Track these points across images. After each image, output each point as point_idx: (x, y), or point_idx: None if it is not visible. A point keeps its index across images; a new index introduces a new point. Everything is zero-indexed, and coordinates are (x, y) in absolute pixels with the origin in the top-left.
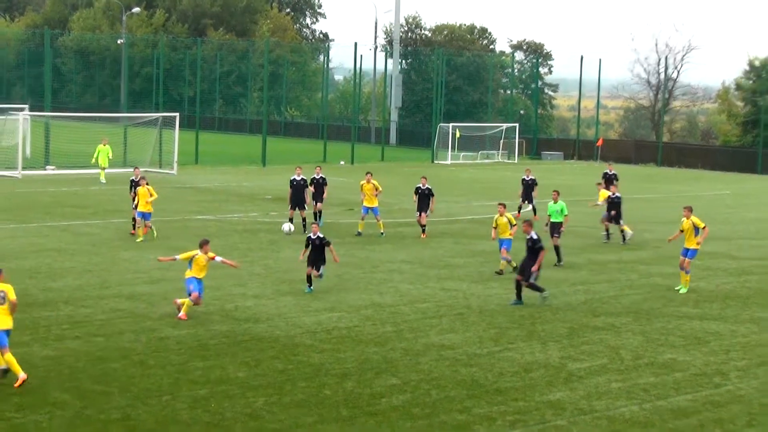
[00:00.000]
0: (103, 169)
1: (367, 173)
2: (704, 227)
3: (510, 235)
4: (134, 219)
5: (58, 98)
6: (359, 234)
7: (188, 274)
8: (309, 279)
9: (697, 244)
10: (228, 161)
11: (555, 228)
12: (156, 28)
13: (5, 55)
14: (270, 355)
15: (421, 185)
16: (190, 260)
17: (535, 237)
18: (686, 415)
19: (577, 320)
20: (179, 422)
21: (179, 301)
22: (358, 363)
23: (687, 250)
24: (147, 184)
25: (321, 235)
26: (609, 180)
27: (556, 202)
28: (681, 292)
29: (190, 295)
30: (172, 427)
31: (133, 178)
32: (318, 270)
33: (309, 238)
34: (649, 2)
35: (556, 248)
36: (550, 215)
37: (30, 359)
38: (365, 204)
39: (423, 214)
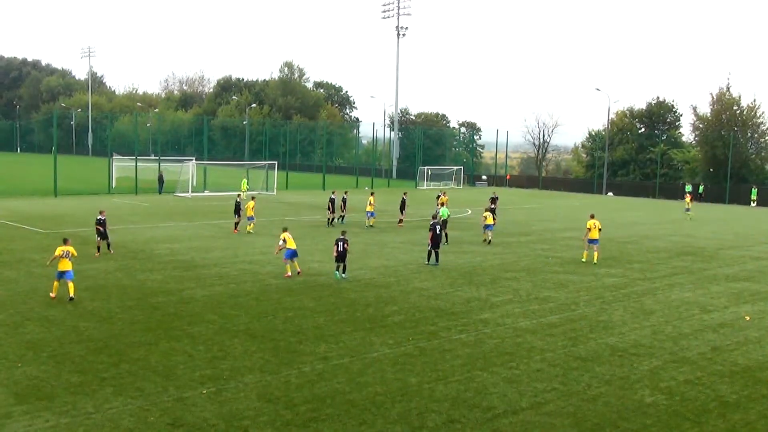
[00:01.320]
0: (245, 191)
1: (372, 193)
2: (600, 229)
3: (492, 222)
4: (236, 223)
5: (211, 153)
6: (370, 227)
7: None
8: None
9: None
10: (304, 188)
11: (445, 223)
12: (264, 114)
13: (183, 130)
14: (327, 293)
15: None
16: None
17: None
18: (555, 326)
19: (496, 274)
20: (277, 331)
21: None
22: (375, 298)
23: (593, 240)
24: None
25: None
26: (493, 200)
27: (443, 206)
28: (592, 261)
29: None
30: (273, 334)
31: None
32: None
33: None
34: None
35: (446, 234)
36: (441, 215)
37: (194, 296)
38: (368, 210)
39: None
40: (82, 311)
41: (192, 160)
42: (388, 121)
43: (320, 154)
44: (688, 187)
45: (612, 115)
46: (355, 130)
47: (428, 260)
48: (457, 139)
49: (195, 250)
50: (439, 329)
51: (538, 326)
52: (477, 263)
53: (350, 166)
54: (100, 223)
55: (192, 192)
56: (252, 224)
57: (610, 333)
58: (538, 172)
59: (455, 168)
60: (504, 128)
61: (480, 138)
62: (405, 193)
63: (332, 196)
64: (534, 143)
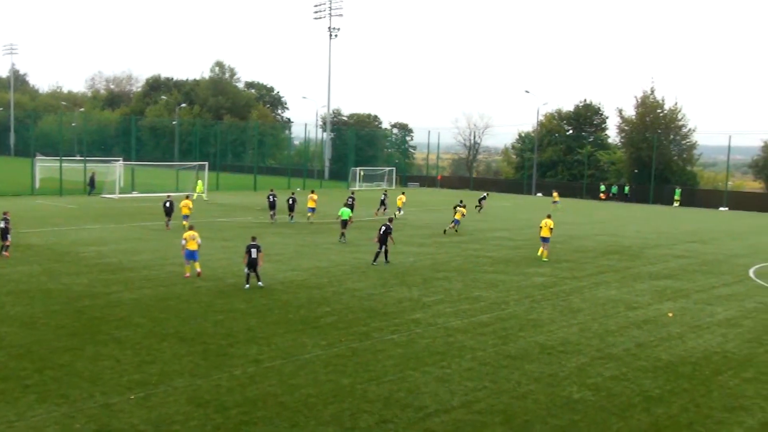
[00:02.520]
0: (202, 192)
1: (312, 191)
2: (552, 228)
3: (459, 216)
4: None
5: (139, 154)
6: (311, 223)
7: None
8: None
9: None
10: (235, 188)
11: (345, 223)
12: (194, 114)
13: (109, 130)
14: (258, 295)
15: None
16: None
17: (390, 227)
18: (486, 325)
19: (428, 275)
20: (208, 334)
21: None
22: (307, 299)
23: (545, 238)
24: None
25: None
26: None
27: (347, 206)
28: (543, 259)
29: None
30: (204, 337)
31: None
32: None
33: None
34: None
35: (343, 234)
36: (341, 215)
37: (122, 300)
38: (310, 206)
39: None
40: (4, 316)
41: (119, 160)
42: (320, 122)
43: (252, 155)
44: (602, 187)
45: (541, 117)
46: (287, 131)
47: (375, 260)
48: (389, 140)
49: (123, 252)
50: (371, 330)
51: (469, 325)
52: (409, 264)
53: (282, 167)
54: (5, 223)
55: (120, 193)
56: (186, 222)
57: (539, 331)
58: (469, 173)
59: (387, 169)
60: (435, 130)
61: (412, 139)
62: (352, 194)
63: (271, 194)
64: (465, 144)
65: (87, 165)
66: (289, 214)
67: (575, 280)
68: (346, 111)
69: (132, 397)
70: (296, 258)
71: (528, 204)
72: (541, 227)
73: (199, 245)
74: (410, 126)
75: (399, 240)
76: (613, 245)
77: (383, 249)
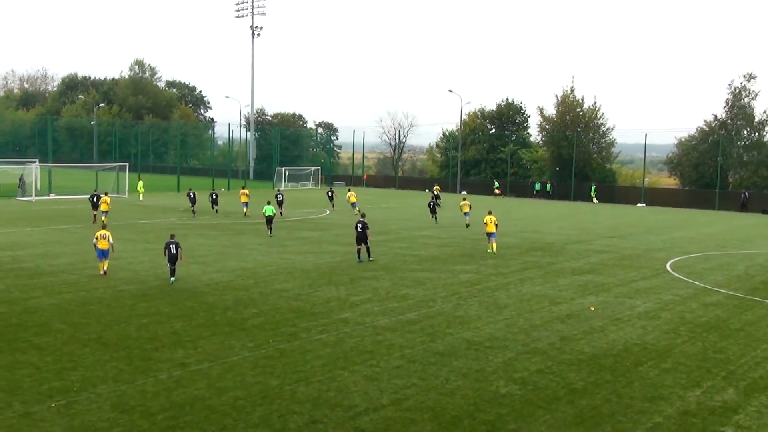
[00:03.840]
0: (142, 192)
1: (243, 187)
2: (497, 224)
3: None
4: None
5: (56, 155)
6: (246, 216)
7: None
8: None
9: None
10: (157, 190)
11: (270, 219)
12: (114, 114)
13: (24, 131)
14: (183, 297)
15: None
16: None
17: (365, 222)
18: (414, 323)
19: (355, 274)
20: (131, 338)
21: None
22: (234, 301)
23: (490, 233)
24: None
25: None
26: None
27: (269, 205)
28: (489, 252)
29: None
30: (127, 342)
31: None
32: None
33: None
34: (388, 97)
35: (271, 229)
36: (265, 212)
37: (40, 305)
38: (244, 201)
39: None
40: None
41: (35, 162)
42: (244, 122)
43: (174, 156)
44: (538, 185)
45: (464, 116)
46: (210, 131)
47: (358, 258)
48: (314, 140)
49: (41, 256)
50: (299, 330)
51: (397, 324)
52: (336, 263)
53: (206, 168)
54: None
55: (36, 196)
56: (105, 218)
57: (466, 327)
58: (394, 171)
59: (313, 168)
60: (361, 129)
61: (337, 138)
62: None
63: (190, 194)
64: (390, 143)
65: (14, 167)
66: (213, 208)
67: (500, 277)
68: (271, 110)
69: (53, 405)
70: (221, 259)
71: (453, 202)
72: (485, 223)
73: (111, 245)
74: (335, 125)
75: (325, 240)
76: (536, 242)
77: (364, 246)
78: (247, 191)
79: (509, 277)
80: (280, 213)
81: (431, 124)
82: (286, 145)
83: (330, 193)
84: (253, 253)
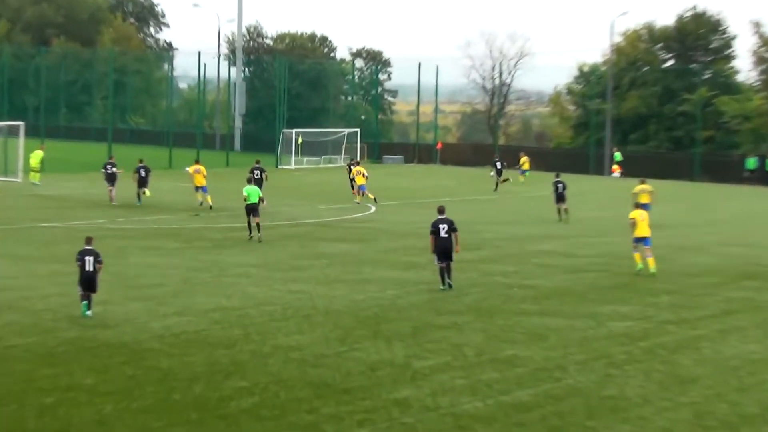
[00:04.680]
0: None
1: (196, 161)
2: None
3: None
4: None
5: None
6: (204, 207)
7: None
8: None
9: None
10: (74, 169)
11: (255, 210)
12: None
13: None
14: (118, 360)
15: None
16: None
17: (451, 220)
18: (528, 410)
19: (421, 319)
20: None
21: None
22: (207, 366)
23: (642, 239)
24: None
25: None
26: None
27: (252, 185)
28: (639, 269)
29: None
30: None
31: None
32: None
33: None
34: (481, 10)
35: (258, 226)
36: (247, 197)
37: None
38: (199, 184)
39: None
40: None
41: None
42: (224, 50)
43: (103, 109)
44: (752, 162)
45: (617, 37)
46: (165, 65)
47: (443, 283)
48: (349, 81)
49: None
50: (321, 420)
51: (497, 410)
52: (389, 300)
53: (156, 131)
54: None
55: None
56: None
57: (623, 419)
58: (492, 137)
59: (347, 131)
60: (432, 61)
61: (389, 78)
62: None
63: (140, 166)
64: (485, 87)
65: None
66: (139, 192)
67: (684, 326)
68: (273, 29)
69: None
70: (186, 292)
71: (598, 191)
72: (635, 221)
73: None
74: (385, 55)
75: (368, 258)
76: (749, 263)
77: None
78: (201, 167)
79: (700, 326)
80: (261, 200)
81: (556, 52)
82: (299, 91)
83: (350, 168)
84: (241, 281)
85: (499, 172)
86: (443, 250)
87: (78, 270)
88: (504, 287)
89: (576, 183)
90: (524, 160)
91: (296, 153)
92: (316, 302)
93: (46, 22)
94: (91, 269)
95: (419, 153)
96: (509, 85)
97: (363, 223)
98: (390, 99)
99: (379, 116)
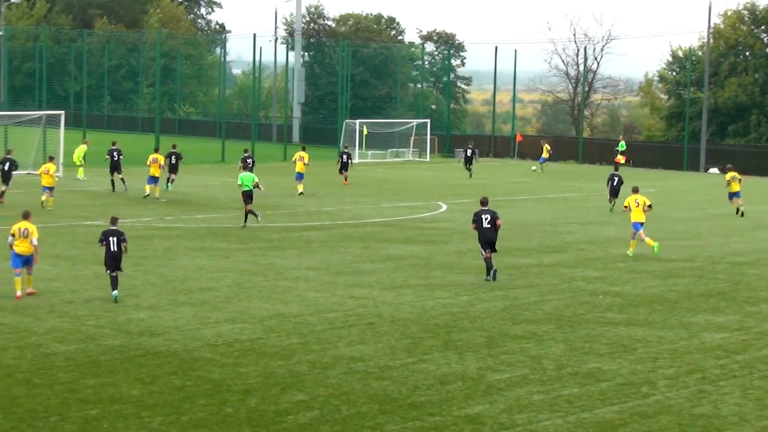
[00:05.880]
0: (80, 166)
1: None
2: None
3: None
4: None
5: None
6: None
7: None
8: None
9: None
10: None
11: (250, 196)
12: (38, 19)
13: None
14: (167, 370)
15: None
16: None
17: (494, 211)
18: (613, 428)
19: (496, 328)
20: None
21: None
22: (262, 378)
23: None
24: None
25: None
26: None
27: (246, 171)
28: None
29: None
30: None
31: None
32: None
33: None
34: None
35: (253, 214)
36: (242, 183)
37: None
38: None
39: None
40: None
41: None
42: (282, 32)
43: (149, 97)
44: (622, 145)
45: (716, 19)
46: (218, 49)
47: (488, 274)
48: (419, 67)
49: None
50: None
51: (578, 429)
52: (460, 307)
53: (208, 121)
54: None
55: None
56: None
57: None
58: (575, 129)
59: (416, 122)
60: (508, 45)
61: (462, 64)
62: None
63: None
64: (568, 74)
65: None
66: (169, 179)
67: None
68: (334, 10)
69: None
70: (239, 297)
71: (693, 189)
72: (628, 206)
73: (35, 246)
74: (459, 39)
75: (437, 262)
76: None
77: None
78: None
79: None
80: (257, 185)
81: (647, 36)
82: (363, 77)
83: (344, 157)
84: (299, 285)
85: (468, 160)
86: (488, 241)
87: (103, 250)
88: (587, 294)
89: (667, 180)
90: (546, 148)
91: (360, 146)
92: (381, 309)
93: (88, 2)
94: (116, 249)
95: (495, 146)
96: (595, 71)
97: (433, 223)
98: (463, 87)
99: (451, 106)
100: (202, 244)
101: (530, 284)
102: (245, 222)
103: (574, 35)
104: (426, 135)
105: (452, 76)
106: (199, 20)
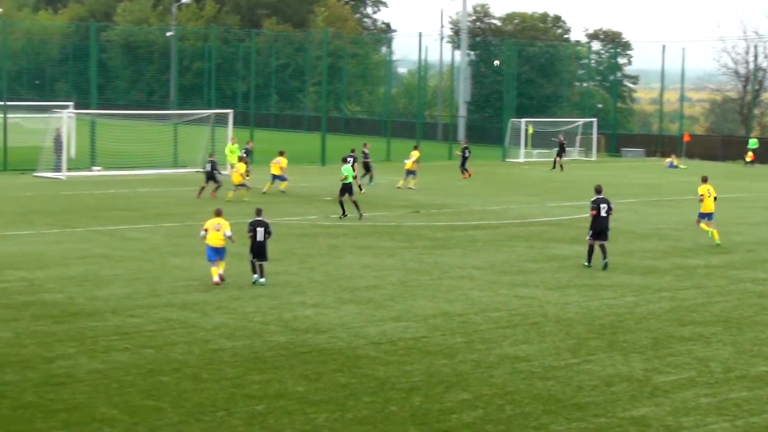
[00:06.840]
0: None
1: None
2: None
3: None
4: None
5: (105, 95)
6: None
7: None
8: None
9: None
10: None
11: (350, 189)
12: (207, 19)
13: (48, 50)
14: (332, 368)
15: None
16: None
17: (609, 201)
18: None
19: (662, 330)
20: None
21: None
22: (426, 376)
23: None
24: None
25: None
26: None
27: (347, 164)
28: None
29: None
30: None
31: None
32: None
33: None
34: None
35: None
36: (344, 175)
37: (75, 373)
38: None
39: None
40: None
41: (68, 107)
42: (447, 31)
43: (316, 96)
44: (753, 142)
45: None
46: (383, 48)
47: (588, 261)
48: (585, 66)
49: (76, 282)
50: None
51: None
52: (626, 307)
53: (374, 120)
54: None
55: (69, 169)
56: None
57: None
58: (745, 128)
59: (582, 122)
60: (677, 43)
61: (629, 63)
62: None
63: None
64: (737, 72)
65: (7, 114)
66: (361, 184)
67: None
68: (500, 8)
69: None
70: (403, 295)
71: None
72: (702, 197)
73: (229, 238)
74: (626, 38)
75: (600, 265)
76: None
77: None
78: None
79: None
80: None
81: None
82: (529, 76)
83: (466, 152)
84: (464, 284)
85: (558, 154)
86: (602, 230)
87: (249, 239)
88: (756, 296)
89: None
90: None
91: (525, 145)
92: (545, 309)
93: (256, 2)
94: (262, 239)
95: (662, 146)
96: (765, 69)
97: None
98: (630, 86)
99: (618, 104)
100: (366, 242)
101: (698, 285)
102: (343, 213)
103: (744, 33)
104: (592, 134)
105: (619, 74)
106: (365, 19)
